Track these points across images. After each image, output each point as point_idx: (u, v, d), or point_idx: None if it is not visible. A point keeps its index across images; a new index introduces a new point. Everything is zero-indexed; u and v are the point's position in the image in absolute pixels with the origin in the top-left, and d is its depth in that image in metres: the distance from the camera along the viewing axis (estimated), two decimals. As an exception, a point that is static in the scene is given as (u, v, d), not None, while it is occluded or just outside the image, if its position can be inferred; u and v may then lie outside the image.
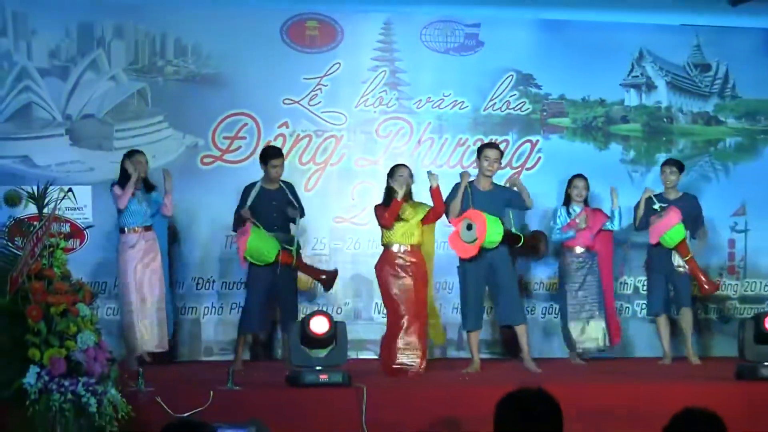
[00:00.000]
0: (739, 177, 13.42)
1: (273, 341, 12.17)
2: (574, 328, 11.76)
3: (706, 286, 11.90)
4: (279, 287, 11.18)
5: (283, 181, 11.45)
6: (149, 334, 11.09)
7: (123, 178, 11.12)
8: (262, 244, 10.96)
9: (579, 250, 11.82)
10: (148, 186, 11.36)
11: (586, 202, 11.94)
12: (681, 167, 12.08)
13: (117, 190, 11.07)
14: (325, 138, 12.59)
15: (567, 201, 11.93)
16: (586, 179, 11.94)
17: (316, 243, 12.30)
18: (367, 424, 8.74)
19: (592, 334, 11.79)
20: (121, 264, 11.14)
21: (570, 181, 11.97)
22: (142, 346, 11.03)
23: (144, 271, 11.14)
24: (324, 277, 11.44)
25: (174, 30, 12.35)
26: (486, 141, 12.15)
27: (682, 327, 11.94)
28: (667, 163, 12.14)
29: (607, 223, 11.91)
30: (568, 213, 11.87)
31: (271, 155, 11.34)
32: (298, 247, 11.26)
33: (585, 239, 11.78)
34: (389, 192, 10.78)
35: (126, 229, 11.12)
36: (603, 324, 11.73)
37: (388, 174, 10.91)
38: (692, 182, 13.17)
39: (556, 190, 12.44)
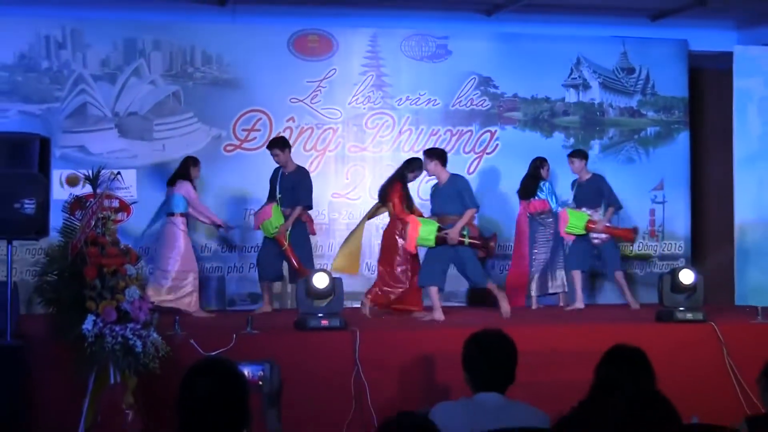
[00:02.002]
0: (658, 159, 13.41)
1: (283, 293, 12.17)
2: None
3: (625, 235, 11.92)
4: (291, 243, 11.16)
5: (300, 167, 11.40)
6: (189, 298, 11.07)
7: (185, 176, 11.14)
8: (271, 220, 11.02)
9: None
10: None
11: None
12: (581, 155, 12.00)
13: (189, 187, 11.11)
14: (324, 129, 12.56)
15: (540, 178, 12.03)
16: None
17: (317, 215, 12.26)
18: (360, 360, 8.75)
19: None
20: (170, 240, 11.13)
21: (542, 163, 12.09)
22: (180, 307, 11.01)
23: (187, 248, 11.10)
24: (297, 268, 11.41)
25: (201, 43, 12.30)
26: (453, 131, 12.23)
27: (620, 285, 11.92)
28: (569, 155, 12.07)
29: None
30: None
31: (268, 146, 11.36)
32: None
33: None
34: (402, 178, 11.00)
35: (178, 213, 11.08)
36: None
37: (407, 162, 11.11)
38: (621, 163, 13.22)
39: (512, 170, 12.45)
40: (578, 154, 12.03)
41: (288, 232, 11.08)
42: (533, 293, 12.01)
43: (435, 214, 10.79)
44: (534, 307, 11.91)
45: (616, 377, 4.81)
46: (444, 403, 5.02)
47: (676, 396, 4.12)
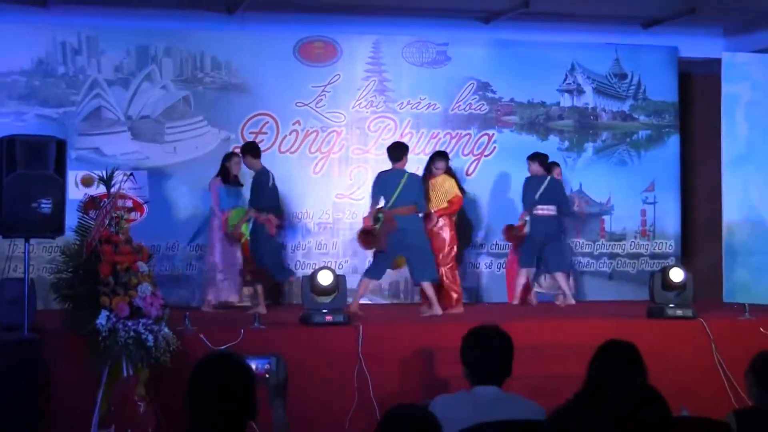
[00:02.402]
0: (649, 161, 13.40)
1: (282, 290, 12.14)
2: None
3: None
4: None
5: (261, 169, 11.00)
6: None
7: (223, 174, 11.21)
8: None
9: None
10: (236, 182, 11.31)
11: None
12: (535, 158, 11.85)
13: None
14: (328, 132, 12.54)
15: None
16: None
17: (322, 214, 12.28)
18: (363, 354, 8.76)
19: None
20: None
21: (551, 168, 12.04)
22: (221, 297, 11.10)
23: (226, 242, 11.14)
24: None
25: (210, 49, 12.28)
26: (453, 133, 12.26)
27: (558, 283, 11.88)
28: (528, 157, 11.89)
29: None
30: None
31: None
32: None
33: None
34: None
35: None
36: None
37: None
38: (613, 165, 13.21)
39: (509, 171, 12.45)
40: (531, 157, 11.88)
41: (246, 230, 10.97)
42: (536, 290, 12.01)
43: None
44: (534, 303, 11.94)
45: (609, 371, 4.81)
46: (443, 395, 5.02)
47: (667, 389, 4.12)
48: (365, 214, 10.80)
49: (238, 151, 11.39)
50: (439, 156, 11.29)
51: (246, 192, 11.16)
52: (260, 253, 10.88)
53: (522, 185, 11.82)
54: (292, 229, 12.32)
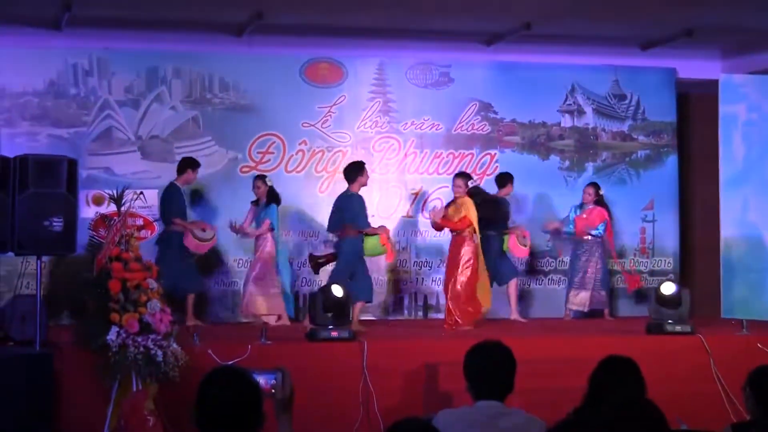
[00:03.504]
0: (648, 180, 13.40)
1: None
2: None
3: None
4: None
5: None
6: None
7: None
8: None
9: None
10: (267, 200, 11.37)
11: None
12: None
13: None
14: (334, 152, 12.56)
15: None
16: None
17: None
18: (367, 369, 8.75)
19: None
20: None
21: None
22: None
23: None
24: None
25: (218, 71, 12.32)
26: (456, 153, 12.34)
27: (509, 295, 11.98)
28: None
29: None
30: None
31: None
32: None
33: None
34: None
35: None
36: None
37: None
38: (613, 184, 13.18)
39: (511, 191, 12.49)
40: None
41: None
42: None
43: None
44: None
45: (609, 385, 4.80)
46: (447, 410, 5.01)
47: (666, 404, 4.11)
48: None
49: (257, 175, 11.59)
50: (458, 176, 11.30)
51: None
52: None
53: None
54: (298, 247, 12.32)
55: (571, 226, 12.20)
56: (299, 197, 12.25)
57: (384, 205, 12.30)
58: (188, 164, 11.30)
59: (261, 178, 11.41)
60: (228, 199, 12.03)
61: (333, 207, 10.99)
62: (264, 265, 11.17)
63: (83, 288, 8.18)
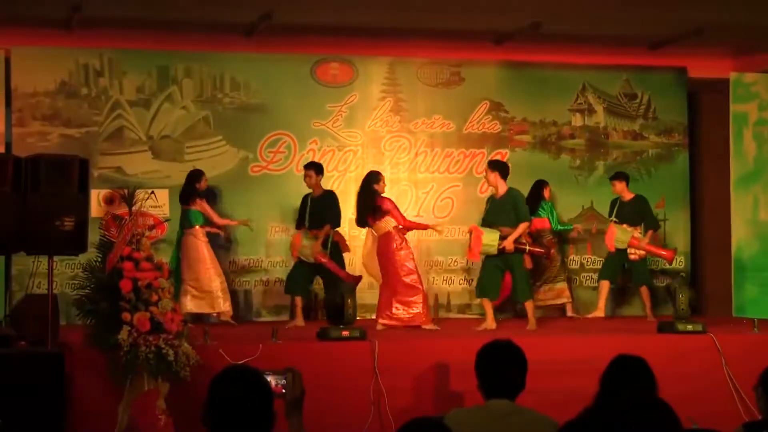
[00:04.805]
0: (659, 178, 13.38)
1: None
2: None
3: (665, 254, 11.83)
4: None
5: (326, 190, 11.40)
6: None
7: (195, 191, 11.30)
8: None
9: None
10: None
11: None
12: (622, 177, 11.99)
13: None
14: (345, 151, 12.57)
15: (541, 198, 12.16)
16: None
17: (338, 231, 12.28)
18: (378, 369, 8.73)
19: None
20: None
21: (544, 185, 12.26)
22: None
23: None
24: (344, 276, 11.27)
25: (229, 70, 12.34)
26: (467, 152, 12.36)
27: (644, 298, 11.82)
28: (611, 178, 12.06)
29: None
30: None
31: (306, 165, 11.38)
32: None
33: None
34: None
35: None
36: None
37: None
38: (624, 183, 13.17)
39: (522, 189, 12.36)
40: (619, 176, 11.99)
41: (327, 250, 11.04)
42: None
43: (489, 224, 10.52)
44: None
45: (620, 385, 4.77)
46: (458, 409, 5.01)
47: (677, 403, 4.08)
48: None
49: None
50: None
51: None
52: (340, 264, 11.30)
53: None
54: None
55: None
56: (310, 197, 12.24)
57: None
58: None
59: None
60: (238, 199, 12.04)
61: (507, 202, 10.47)
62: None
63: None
